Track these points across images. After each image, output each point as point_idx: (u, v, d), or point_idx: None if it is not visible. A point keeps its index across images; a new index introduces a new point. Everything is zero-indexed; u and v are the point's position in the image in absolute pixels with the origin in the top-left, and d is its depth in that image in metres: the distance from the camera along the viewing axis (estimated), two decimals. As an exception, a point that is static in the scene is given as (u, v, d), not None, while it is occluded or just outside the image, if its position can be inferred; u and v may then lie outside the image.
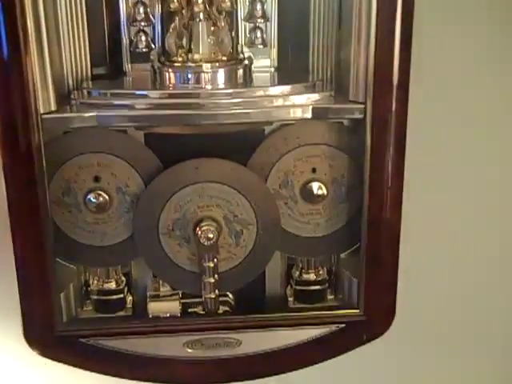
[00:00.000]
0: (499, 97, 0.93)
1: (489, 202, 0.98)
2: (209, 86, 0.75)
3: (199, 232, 0.78)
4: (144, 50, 0.78)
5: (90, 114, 0.73)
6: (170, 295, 0.84)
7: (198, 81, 0.75)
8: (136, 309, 0.86)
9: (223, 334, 0.81)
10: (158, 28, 0.78)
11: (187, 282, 0.82)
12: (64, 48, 0.75)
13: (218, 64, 0.76)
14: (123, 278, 0.86)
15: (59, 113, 0.73)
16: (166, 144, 0.78)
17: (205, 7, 0.73)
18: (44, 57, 0.70)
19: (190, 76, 0.75)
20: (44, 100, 0.71)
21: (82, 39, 0.77)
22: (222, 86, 0.76)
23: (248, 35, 0.79)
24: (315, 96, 0.76)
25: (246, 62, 0.78)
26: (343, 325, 0.82)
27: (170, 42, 0.75)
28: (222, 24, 0.74)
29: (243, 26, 0.79)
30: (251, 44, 0.79)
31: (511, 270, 1.02)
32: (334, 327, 0.82)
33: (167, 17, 0.76)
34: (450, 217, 0.97)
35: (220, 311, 0.83)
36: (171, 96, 0.75)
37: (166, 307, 0.84)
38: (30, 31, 0.68)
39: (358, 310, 0.82)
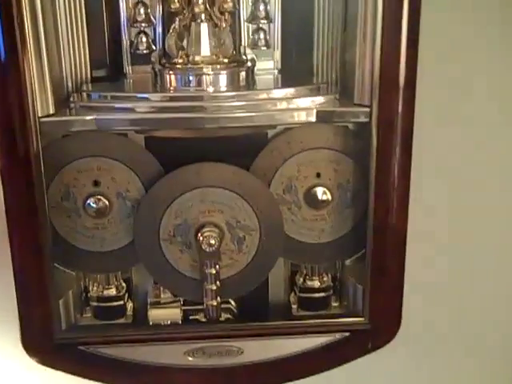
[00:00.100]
0: (509, 97, 0.92)
1: (499, 206, 0.97)
2: (210, 89, 0.74)
3: (201, 238, 0.77)
4: (145, 51, 0.77)
5: (90, 118, 0.72)
6: (171, 302, 0.84)
7: (199, 83, 0.74)
8: (136, 316, 0.86)
9: (225, 342, 0.80)
10: (159, 29, 0.77)
11: (188, 288, 0.81)
12: (63, 50, 0.75)
13: (219, 66, 0.75)
14: (123, 285, 0.85)
15: (58, 116, 0.72)
16: (167, 148, 0.77)
17: (205, 8, 0.73)
18: (42, 58, 0.70)
19: (191, 78, 0.74)
20: (42, 103, 0.71)
21: (81, 41, 0.77)
22: (224, 88, 0.75)
23: (251, 36, 0.79)
24: (320, 99, 0.75)
25: (249, 63, 0.77)
26: (348, 333, 0.81)
27: (170, 43, 0.74)
28: (224, 25, 0.74)
29: (246, 28, 0.79)
30: (254, 46, 0.78)
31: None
32: (338, 335, 0.81)
33: (168, 18, 0.76)
34: (458, 222, 0.96)
35: (222, 319, 0.82)
36: (173, 99, 0.74)
37: (166, 314, 0.83)
38: (27, 32, 0.68)
39: (362, 318, 0.81)
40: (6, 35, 0.67)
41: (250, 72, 0.77)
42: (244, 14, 0.78)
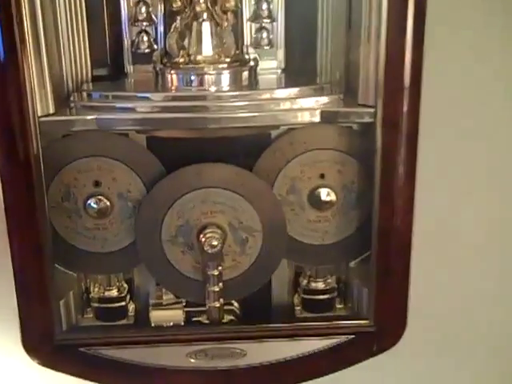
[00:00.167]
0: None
1: (505, 207, 0.96)
2: (212, 89, 0.74)
3: (203, 239, 0.77)
4: (146, 50, 0.77)
5: (90, 117, 0.72)
6: (173, 304, 0.83)
7: (201, 83, 0.74)
8: (138, 317, 0.85)
9: (228, 344, 0.80)
10: (161, 28, 0.77)
11: (191, 290, 0.80)
12: (63, 48, 0.75)
13: (222, 66, 0.74)
14: (125, 286, 0.85)
15: (58, 116, 0.72)
16: (168, 148, 0.77)
17: (207, 7, 0.72)
18: (42, 57, 0.69)
19: (193, 78, 0.74)
20: (42, 102, 0.70)
21: (81, 39, 0.77)
22: (226, 88, 0.74)
23: (254, 36, 0.78)
24: (324, 99, 0.74)
25: (252, 63, 0.77)
26: (352, 336, 0.81)
27: (171, 42, 0.74)
28: (225, 24, 0.73)
29: (249, 27, 0.78)
30: (257, 45, 0.78)
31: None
32: (342, 338, 0.80)
33: (170, 17, 0.75)
34: (463, 224, 0.95)
35: (225, 320, 0.82)
36: (175, 98, 0.74)
37: (168, 316, 0.82)
38: (26, 30, 0.67)
39: (367, 321, 0.80)
40: (5, 34, 0.66)
41: (253, 72, 0.77)
42: (247, 12, 0.77)
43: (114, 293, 0.83)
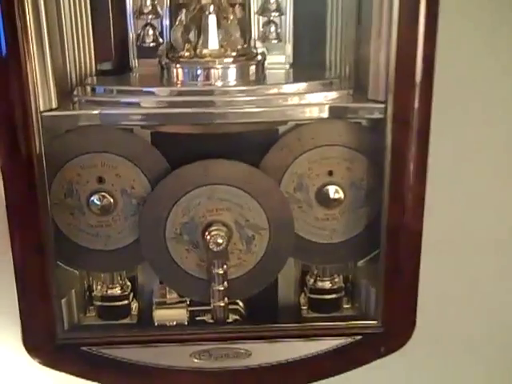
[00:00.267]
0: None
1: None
2: (219, 83, 0.73)
3: (208, 237, 0.76)
4: (151, 44, 0.75)
5: (94, 112, 0.71)
6: (177, 303, 0.82)
7: (207, 77, 0.73)
8: (141, 316, 0.84)
9: (232, 345, 0.79)
10: (166, 21, 0.76)
11: (195, 289, 0.80)
12: (67, 42, 0.75)
13: (229, 60, 0.73)
14: (128, 284, 0.84)
15: (61, 110, 0.71)
16: (173, 144, 0.76)
17: (213, -1, 0.71)
18: (44, 50, 0.68)
19: (199, 72, 0.73)
20: (44, 97, 0.69)
21: (85, 33, 0.76)
22: (233, 83, 0.74)
23: (261, 29, 0.77)
24: (332, 94, 0.73)
25: (259, 57, 0.76)
26: (360, 336, 0.80)
27: (176, 35, 0.73)
28: (231, 17, 0.72)
29: (256, 20, 0.77)
30: (265, 39, 0.77)
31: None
32: (350, 339, 0.80)
33: (176, 10, 0.74)
34: (475, 222, 0.95)
35: (229, 320, 0.81)
36: (181, 93, 0.73)
37: (172, 315, 0.82)
38: (28, 22, 0.66)
39: (375, 322, 0.80)
40: (7, 26, 0.65)
41: (260, 66, 0.76)
42: (254, 5, 0.76)
43: (117, 291, 0.83)
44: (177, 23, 0.73)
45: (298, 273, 0.86)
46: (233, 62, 0.73)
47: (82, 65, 0.77)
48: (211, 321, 0.80)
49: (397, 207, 0.74)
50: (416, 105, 0.70)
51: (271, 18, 0.76)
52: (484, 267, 0.97)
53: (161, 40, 0.76)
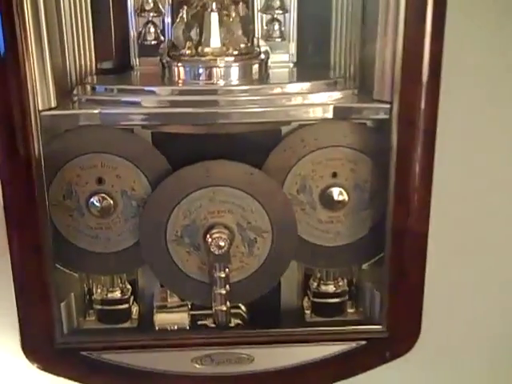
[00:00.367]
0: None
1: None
2: (221, 82, 0.73)
3: (210, 240, 0.76)
4: (153, 42, 0.75)
5: (94, 112, 0.70)
6: (178, 306, 0.82)
7: (209, 76, 0.72)
8: (142, 320, 0.84)
9: (234, 350, 0.79)
10: (168, 19, 0.76)
11: (197, 292, 0.79)
12: (66, 39, 0.74)
13: (232, 58, 0.73)
14: (129, 287, 0.84)
15: (60, 109, 0.71)
16: (175, 144, 0.76)
17: (216, -4, 0.71)
18: (43, 48, 0.68)
19: (201, 71, 0.73)
20: (43, 96, 0.69)
21: (86, 31, 0.76)
22: (235, 82, 0.73)
23: (265, 27, 0.77)
24: (337, 94, 0.73)
25: (262, 56, 0.76)
26: (364, 341, 0.79)
27: (177, 33, 0.72)
28: (233, 15, 0.72)
29: (260, 18, 0.77)
30: (268, 37, 0.77)
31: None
32: (354, 344, 0.79)
33: (178, 7, 0.74)
34: (481, 225, 0.94)
35: (231, 324, 0.81)
36: (182, 93, 0.72)
37: (173, 319, 0.81)
38: (27, 21, 0.66)
39: (380, 326, 0.79)
40: (5, 24, 0.65)
41: (264, 65, 0.75)
42: (258, 3, 0.76)
43: (117, 294, 0.82)
44: (178, 20, 0.72)
45: (301, 276, 0.85)
46: (236, 61, 0.73)
47: (82, 63, 0.76)
48: (213, 325, 0.80)
49: (402, 209, 0.74)
50: (422, 105, 0.69)
51: (275, 16, 0.75)
52: (492, 270, 0.96)
53: (162, 38, 0.75)
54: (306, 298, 0.86)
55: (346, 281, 0.85)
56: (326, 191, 0.77)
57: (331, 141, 0.76)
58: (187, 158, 0.75)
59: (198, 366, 0.78)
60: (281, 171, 0.77)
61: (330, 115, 0.71)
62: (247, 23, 0.73)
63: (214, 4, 0.71)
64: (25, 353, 0.77)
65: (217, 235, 0.75)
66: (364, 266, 0.83)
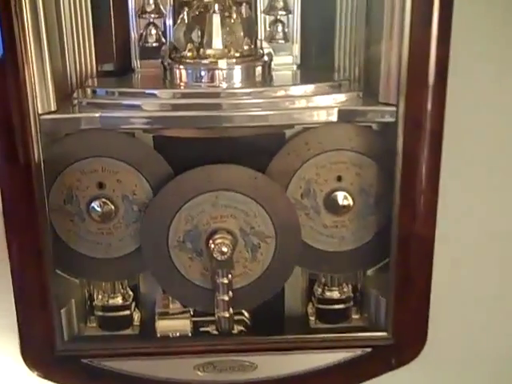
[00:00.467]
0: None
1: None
2: (224, 85, 0.72)
3: (212, 245, 0.75)
4: (154, 44, 0.75)
5: (94, 115, 0.70)
6: (181, 313, 0.81)
7: (212, 79, 0.72)
8: (143, 327, 0.84)
9: (237, 357, 0.78)
10: (170, 21, 0.75)
11: (199, 298, 0.79)
12: (66, 42, 0.74)
13: (234, 60, 0.73)
14: (130, 293, 0.83)
15: (60, 113, 0.70)
16: (176, 148, 0.75)
17: (217, -3, 0.71)
18: (43, 51, 0.67)
19: (203, 73, 0.72)
20: (43, 99, 0.69)
21: (86, 33, 0.75)
22: (238, 84, 0.73)
23: (268, 29, 0.77)
24: (341, 97, 0.73)
25: (266, 58, 0.75)
26: (369, 349, 0.79)
27: (178, 35, 0.72)
28: (234, 16, 0.71)
29: (263, 19, 0.77)
30: (271, 39, 0.76)
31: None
32: (359, 351, 0.79)
33: (179, 8, 0.73)
34: (489, 231, 0.93)
35: (234, 331, 0.80)
36: (185, 96, 0.72)
37: (175, 326, 0.81)
38: (26, 23, 0.65)
39: (385, 333, 0.79)
40: (4, 27, 0.64)
41: (267, 67, 0.75)
42: (261, 4, 0.76)
43: (119, 301, 0.82)
44: (178, 22, 0.72)
45: (306, 282, 0.85)
46: (238, 63, 0.72)
47: (83, 66, 0.76)
48: (216, 332, 0.79)
49: (408, 214, 0.73)
50: (429, 107, 0.69)
51: (278, 17, 0.75)
52: (501, 277, 0.95)
53: (164, 40, 0.75)
54: (311, 304, 0.85)
55: (350, 287, 0.84)
56: (330, 195, 0.77)
57: (336, 144, 0.75)
58: (189, 161, 0.74)
59: (200, 373, 0.78)
60: (285, 175, 0.76)
61: (334, 118, 0.71)
62: (250, 25, 0.73)
63: (216, 5, 0.70)
64: (25, 360, 0.76)
65: (219, 240, 0.75)
66: (369, 272, 0.82)
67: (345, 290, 0.84)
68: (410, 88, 0.68)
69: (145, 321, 0.84)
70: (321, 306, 0.84)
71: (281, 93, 0.71)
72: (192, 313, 0.81)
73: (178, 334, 0.80)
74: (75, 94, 0.73)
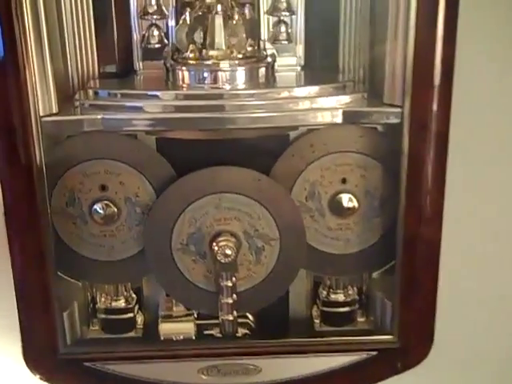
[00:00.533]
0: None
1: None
2: (227, 86, 0.72)
3: (216, 248, 0.75)
4: (156, 45, 0.75)
5: (96, 117, 0.70)
6: (184, 316, 0.81)
7: (215, 80, 0.72)
8: (147, 330, 0.83)
9: (241, 360, 0.78)
10: (172, 22, 0.75)
11: (203, 301, 0.78)
12: (68, 43, 0.74)
13: (237, 62, 0.72)
14: (133, 296, 0.83)
15: (62, 115, 0.70)
16: (179, 150, 0.75)
17: (220, -1, 0.71)
18: (44, 52, 0.67)
19: (206, 75, 0.72)
20: (44, 101, 0.68)
21: (88, 34, 0.75)
22: (241, 86, 0.72)
23: (271, 30, 0.76)
24: (346, 98, 0.72)
25: (269, 59, 0.75)
26: (375, 352, 0.79)
27: (181, 36, 0.71)
28: (237, 17, 0.71)
29: (266, 20, 0.76)
30: (275, 40, 0.76)
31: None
32: (364, 354, 0.79)
33: (182, 10, 0.73)
34: (495, 233, 0.92)
35: (238, 334, 0.80)
36: (187, 97, 0.72)
37: (179, 329, 0.81)
38: (27, 23, 0.65)
39: (391, 336, 0.78)
40: (5, 27, 0.64)
41: (270, 68, 0.75)
42: (264, 5, 0.75)
43: (122, 303, 0.82)
44: (181, 22, 0.71)
45: (310, 285, 0.84)
46: (241, 64, 0.72)
47: (85, 67, 0.76)
48: (219, 335, 0.79)
49: (414, 215, 0.73)
50: (434, 108, 0.68)
51: (281, 18, 0.75)
52: (506, 281, 0.94)
53: (166, 41, 0.75)
54: (315, 307, 0.85)
55: (356, 289, 0.84)
56: (335, 198, 0.76)
57: (340, 146, 0.75)
58: (192, 163, 0.74)
59: (204, 376, 0.77)
60: (289, 177, 0.76)
61: (339, 120, 0.71)
62: (253, 26, 0.73)
63: (218, 6, 0.70)
64: (27, 363, 0.76)
65: (223, 243, 0.74)
66: (374, 275, 0.82)
67: (350, 292, 0.83)
68: (415, 89, 0.68)
69: (148, 324, 0.83)
70: (326, 309, 0.83)
71: (285, 94, 0.71)
72: (196, 316, 0.81)
73: (181, 337, 0.80)
74: (77, 96, 0.73)
